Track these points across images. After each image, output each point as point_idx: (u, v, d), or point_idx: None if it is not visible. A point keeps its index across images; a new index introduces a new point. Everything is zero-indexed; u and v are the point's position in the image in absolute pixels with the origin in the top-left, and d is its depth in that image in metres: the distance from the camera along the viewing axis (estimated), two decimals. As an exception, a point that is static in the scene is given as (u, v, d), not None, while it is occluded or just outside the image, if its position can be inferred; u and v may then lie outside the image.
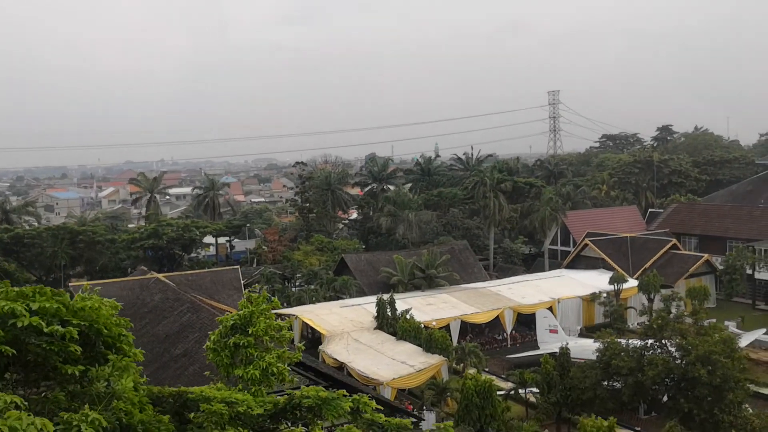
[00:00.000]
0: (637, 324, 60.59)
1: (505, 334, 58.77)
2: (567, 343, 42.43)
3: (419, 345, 46.55)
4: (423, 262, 65.08)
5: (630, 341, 36.19)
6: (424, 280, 63.87)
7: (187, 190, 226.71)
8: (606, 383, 34.86)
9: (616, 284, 61.09)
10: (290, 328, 56.99)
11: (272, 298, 19.75)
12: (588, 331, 60.42)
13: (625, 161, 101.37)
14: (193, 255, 77.87)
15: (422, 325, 52.15)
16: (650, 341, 34.25)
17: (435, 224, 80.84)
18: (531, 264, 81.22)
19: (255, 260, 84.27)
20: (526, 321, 59.04)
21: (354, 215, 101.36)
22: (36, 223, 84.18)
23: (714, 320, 60.50)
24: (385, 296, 52.62)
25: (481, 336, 60.01)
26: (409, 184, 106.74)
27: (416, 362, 44.26)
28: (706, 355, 31.05)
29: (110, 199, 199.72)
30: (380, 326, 51.57)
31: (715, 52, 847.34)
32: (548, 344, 53.18)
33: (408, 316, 50.30)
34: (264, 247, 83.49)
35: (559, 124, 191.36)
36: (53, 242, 65.82)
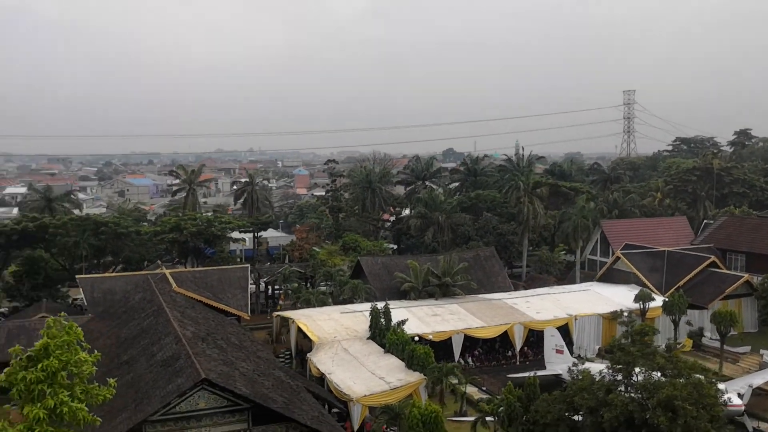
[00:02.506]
0: (664, 346, 56.30)
1: (514, 351, 55.51)
2: (571, 366, 39.14)
3: (404, 360, 44.36)
4: (439, 268, 62.51)
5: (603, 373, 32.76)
6: (438, 288, 61.29)
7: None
8: (569, 416, 31.68)
9: (641, 302, 56.87)
10: (288, 332, 56.16)
11: (74, 327, 18.11)
12: (608, 351, 56.50)
13: (683, 168, 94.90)
14: (214, 250, 77.55)
15: (415, 338, 49.98)
16: (619, 377, 30.85)
17: (467, 228, 77.87)
18: (567, 274, 77.08)
19: (286, 257, 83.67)
20: (539, 338, 55.65)
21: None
22: (78, 212, 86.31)
23: (749, 348, 55.75)
24: (380, 305, 50.49)
25: (491, 352, 57.03)
26: (456, 184, 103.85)
27: (394, 379, 42.06)
28: (669, 400, 27.58)
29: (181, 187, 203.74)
30: (372, 336, 49.53)
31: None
32: (554, 365, 49.98)
33: (400, 328, 47.94)
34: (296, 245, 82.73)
35: (633, 125, 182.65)
36: (77, 233, 66.84)
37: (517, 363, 54.92)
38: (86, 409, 15.93)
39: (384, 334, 48.16)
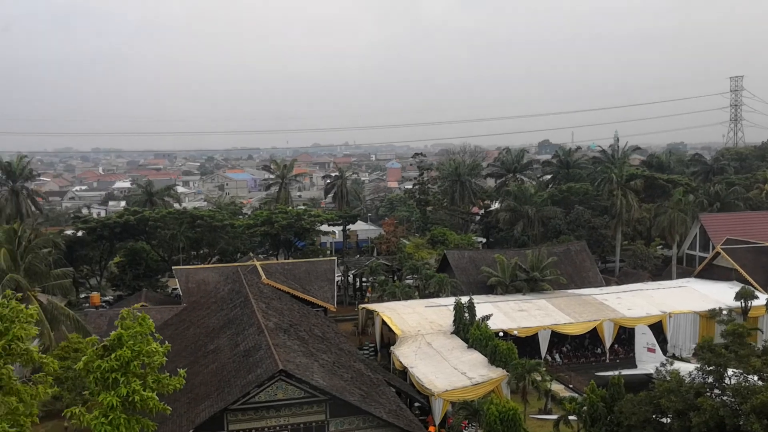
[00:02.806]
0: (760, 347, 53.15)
1: (604, 349, 53.81)
2: (659, 366, 37.60)
3: (487, 356, 43.83)
4: (527, 263, 61.36)
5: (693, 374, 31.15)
6: (526, 283, 60.17)
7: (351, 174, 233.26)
8: (656, 419, 30.39)
9: (743, 300, 53.93)
10: (373, 324, 56.54)
11: (147, 318, 18.73)
12: (696, 353, 53.84)
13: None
14: (305, 242, 78.93)
15: (500, 333, 49.29)
16: (710, 379, 29.31)
17: (558, 221, 76.01)
18: (664, 270, 73.98)
19: (375, 250, 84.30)
20: (631, 335, 53.68)
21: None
22: (178, 206, 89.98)
23: None
24: (464, 299, 49.98)
25: (580, 349, 55.56)
26: (548, 177, 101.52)
27: (476, 374, 41.67)
28: (765, 406, 25.95)
29: (274, 181, 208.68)
30: (456, 331, 49.18)
31: None
32: (645, 363, 48.12)
33: (483, 323, 47.33)
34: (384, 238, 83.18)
35: (741, 113, 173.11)
36: (175, 225, 69.65)
37: (607, 361, 53.27)
38: (156, 397, 16.53)
39: (468, 329, 47.69)
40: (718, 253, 62.77)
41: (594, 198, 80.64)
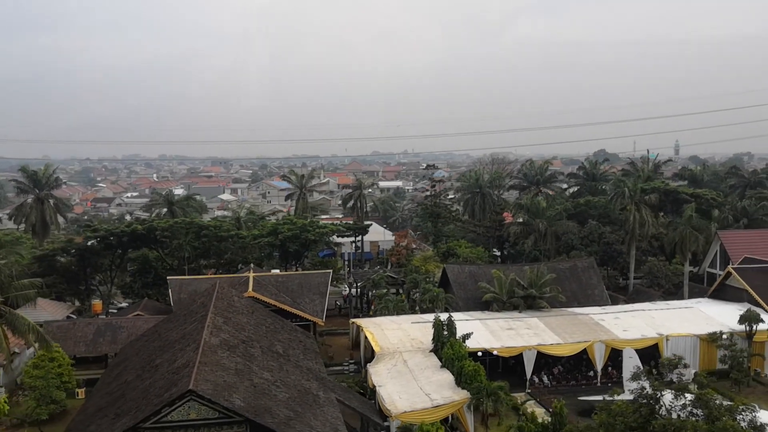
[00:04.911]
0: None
1: (596, 372, 51.63)
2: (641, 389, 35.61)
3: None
4: (526, 279, 59.61)
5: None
6: (523, 300, 58.43)
7: (395, 183, 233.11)
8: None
9: (747, 324, 51.03)
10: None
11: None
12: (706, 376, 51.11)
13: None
14: (325, 252, 78.78)
15: (479, 353, 47.90)
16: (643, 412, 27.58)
17: (572, 236, 73.71)
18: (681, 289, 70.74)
19: (387, 262, 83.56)
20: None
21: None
22: (200, 215, 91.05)
23: None
24: (443, 316, 48.72)
25: (574, 370, 53.49)
26: (575, 188, 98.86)
27: (439, 396, 40.49)
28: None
29: (320, 190, 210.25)
30: (435, 349, 47.98)
31: None
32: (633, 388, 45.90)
33: (458, 342, 45.96)
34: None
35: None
36: (181, 235, 70.42)
37: (598, 384, 51.02)
38: None
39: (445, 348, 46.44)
40: (729, 273, 59.66)
41: (613, 212, 77.95)
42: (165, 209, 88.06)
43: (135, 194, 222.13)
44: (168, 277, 60.23)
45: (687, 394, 28.63)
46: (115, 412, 30.66)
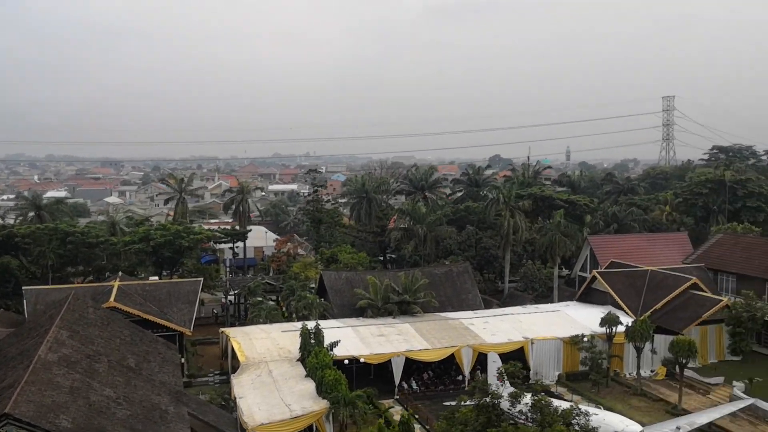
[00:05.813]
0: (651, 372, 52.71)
1: (464, 376, 52.18)
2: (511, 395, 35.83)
3: (318, 386, 41.84)
4: (401, 285, 59.71)
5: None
6: (397, 306, 58.48)
7: (290, 186, 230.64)
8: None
9: (607, 326, 52.87)
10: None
11: None
12: (569, 378, 52.82)
13: (694, 180, 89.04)
14: (208, 258, 76.27)
15: (345, 361, 47.53)
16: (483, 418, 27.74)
17: (450, 241, 74.63)
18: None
19: (269, 268, 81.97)
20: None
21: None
22: (69, 219, 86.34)
23: (722, 379, 51.16)
24: (310, 324, 47.96)
25: (444, 375, 53.91)
26: (459, 194, 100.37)
27: (298, 407, 39.63)
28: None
29: (213, 192, 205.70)
30: (302, 358, 47.11)
31: None
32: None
33: (323, 350, 45.28)
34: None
35: (673, 132, 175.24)
36: (44, 242, 66.52)
37: (466, 388, 51.55)
38: None
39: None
40: (595, 277, 61.89)
41: (489, 218, 79.54)
42: (32, 213, 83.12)
43: (12, 196, 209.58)
44: (24, 287, 56.52)
45: (523, 401, 29.04)
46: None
